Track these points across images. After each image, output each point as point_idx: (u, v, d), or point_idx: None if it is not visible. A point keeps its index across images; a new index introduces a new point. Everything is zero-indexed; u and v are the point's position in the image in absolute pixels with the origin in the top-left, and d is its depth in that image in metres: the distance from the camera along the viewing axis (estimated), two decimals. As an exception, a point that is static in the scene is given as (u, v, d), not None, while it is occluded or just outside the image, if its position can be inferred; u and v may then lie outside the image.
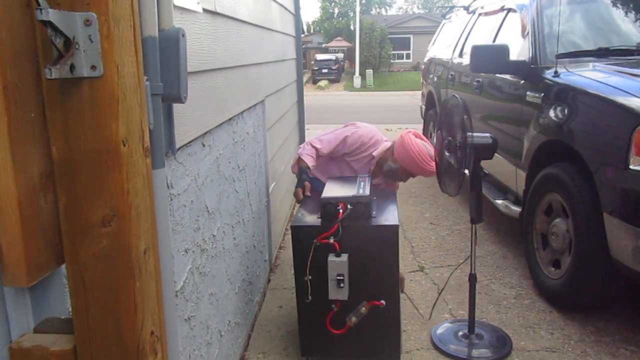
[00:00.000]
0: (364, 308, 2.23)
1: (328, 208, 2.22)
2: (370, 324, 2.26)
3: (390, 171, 2.78)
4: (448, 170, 2.43)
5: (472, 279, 2.49)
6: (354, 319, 2.23)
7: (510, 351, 2.46)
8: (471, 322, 2.55)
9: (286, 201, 4.27)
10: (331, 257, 2.16)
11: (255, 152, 2.90)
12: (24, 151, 0.83)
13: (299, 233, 2.24)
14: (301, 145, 2.86)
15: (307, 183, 2.62)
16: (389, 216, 2.29)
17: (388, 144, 2.83)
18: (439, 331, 2.63)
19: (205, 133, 1.86)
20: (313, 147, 2.78)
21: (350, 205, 2.20)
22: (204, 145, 1.86)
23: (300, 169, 2.71)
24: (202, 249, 1.83)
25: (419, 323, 2.75)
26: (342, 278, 2.15)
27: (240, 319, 2.46)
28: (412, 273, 3.35)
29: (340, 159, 2.89)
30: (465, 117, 2.26)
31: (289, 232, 4.20)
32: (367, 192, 2.30)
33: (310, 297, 2.24)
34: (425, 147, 2.70)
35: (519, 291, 3.08)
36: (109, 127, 0.82)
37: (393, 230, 2.19)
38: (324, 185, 2.68)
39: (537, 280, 3.03)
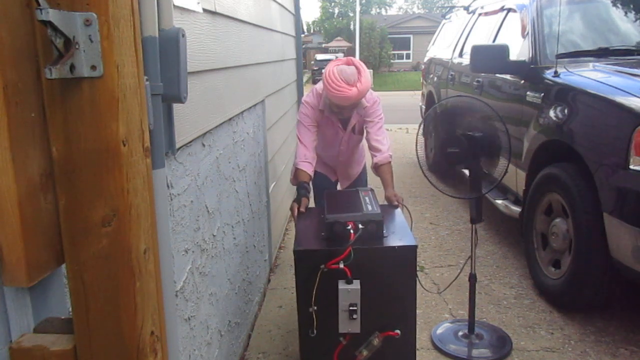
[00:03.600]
0: (376, 340, 1.97)
1: (336, 228, 1.96)
2: (383, 357, 2.00)
3: (328, 106, 2.63)
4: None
5: (472, 279, 2.49)
6: (365, 352, 1.98)
7: (510, 351, 2.46)
8: (471, 322, 2.55)
9: (286, 201, 4.27)
10: (342, 285, 1.89)
11: (255, 152, 2.90)
12: (24, 151, 0.83)
13: (304, 258, 1.94)
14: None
15: (304, 199, 2.42)
16: (404, 235, 2.04)
17: None
18: (439, 331, 2.64)
19: (205, 133, 1.86)
20: (301, 143, 2.65)
21: (361, 225, 1.95)
22: (204, 145, 1.86)
23: (299, 184, 2.53)
24: (202, 249, 1.83)
25: (419, 323, 2.75)
26: (355, 308, 1.90)
27: (240, 319, 2.46)
28: (412, 273, 3.35)
29: (327, 128, 2.77)
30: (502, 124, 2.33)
31: (289, 232, 4.22)
32: (377, 208, 2.07)
33: (315, 332, 1.96)
34: (341, 71, 2.43)
35: (519, 291, 3.08)
36: (109, 127, 0.82)
37: (411, 251, 1.94)
38: (329, 179, 2.63)
39: (537, 280, 3.03)
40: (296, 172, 2.61)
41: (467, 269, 2.58)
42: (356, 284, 1.90)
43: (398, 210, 2.38)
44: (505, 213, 3.50)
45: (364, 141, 3.02)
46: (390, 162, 2.66)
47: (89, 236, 0.85)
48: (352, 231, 1.93)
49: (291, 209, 2.44)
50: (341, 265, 1.89)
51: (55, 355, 0.88)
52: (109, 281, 0.86)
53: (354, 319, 1.91)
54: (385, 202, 2.50)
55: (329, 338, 1.98)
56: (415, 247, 1.96)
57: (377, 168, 2.68)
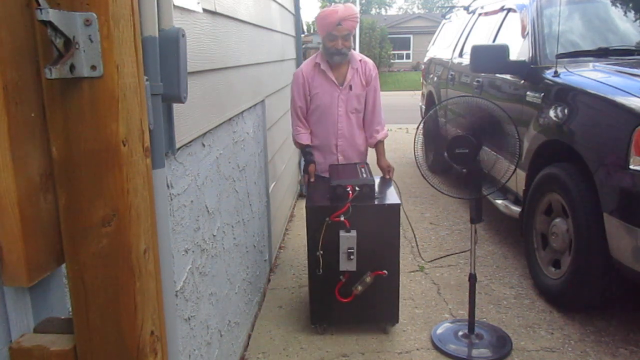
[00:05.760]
0: (368, 278, 2.50)
1: (338, 190, 2.48)
2: (373, 291, 2.54)
3: (322, 56, 2.96)
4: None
5: (472, 279, 2.49)
6: (359, 287, 2.51)
7: (510, 351, 2.46)
8: (471, 322, 2.55)
9: (286, 201, 4.27)
10: (342, 233, 2.44)
11: (255, 152, 2.90)
12: (24, 151, 0.82)
13: (313, 213, 2.48)
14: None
15: (311, 167, 2.95)
16: (391, 197, 2.61)
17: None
18: (439, 331, 2.63)
19: (205, 133, 1.86)
20: (295, 117, 3.02)
21: (357, 188, 2.47)
22: (204, 145, 1.86)
23: (302, 148, 3.06)
24: (202, 249, 1.83)
25: (419, 323, 2.75)
26: (352, 251, 2.44)
27: (240, 319, 2.46)
28: (412, 273, 3.35)
29: (322, 88, 3.00)
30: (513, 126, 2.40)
31: (289, 232, 4.22)
32: (371, 176, 2.61)
33: (321, 271, 2.49)
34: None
35: (519, 291, 3.08)
36: (109, 127, 0.82)
37: (395, 208, 2.49)
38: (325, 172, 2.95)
39: (537, 280, 3.03)
40: (295, 142, 3.11)
41: (467, 269, 2.58)
42: (353, 233, 2.45)
43: (389, 181, 2.91)
44: (505, 213, 3.50)
45: (365, 139, 3.09)
46: (387, 136, 3.15)
47: (89, 236, 0.85)
48: (350, 192, 2.46)
49: (303, 178, 3.02)
50: (342, 218, 2.44)
51: (55, 355, 0.88)
52: (109, 281, 0.86)
53: (351, 259, 2.46)
54: (380, 174, 3.03)
55: (332, 276, 2.52)
56: (399, 204, 2.49)
57: (377, 144, 3.09)
